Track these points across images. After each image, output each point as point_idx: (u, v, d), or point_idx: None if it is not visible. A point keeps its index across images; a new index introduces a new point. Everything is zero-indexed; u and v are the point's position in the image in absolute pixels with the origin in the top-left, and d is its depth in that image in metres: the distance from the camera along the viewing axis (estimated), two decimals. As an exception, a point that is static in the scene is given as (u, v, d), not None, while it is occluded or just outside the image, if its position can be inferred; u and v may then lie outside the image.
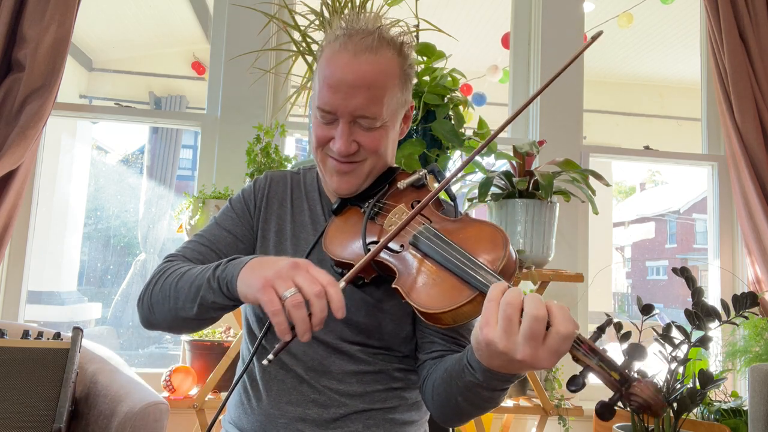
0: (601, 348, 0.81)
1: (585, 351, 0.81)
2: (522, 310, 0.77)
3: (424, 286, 0.90)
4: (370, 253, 0.94)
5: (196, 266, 1.02)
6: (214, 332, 2.17)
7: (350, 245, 1.04)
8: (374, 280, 1.01)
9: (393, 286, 0.92)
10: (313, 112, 1.10)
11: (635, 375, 0.79)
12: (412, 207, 1.05)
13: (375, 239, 1.03)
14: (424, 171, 1.11)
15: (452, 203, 1.14)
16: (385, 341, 1.08)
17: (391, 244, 0.98)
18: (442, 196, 1.07)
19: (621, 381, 0.79)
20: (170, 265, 1.07)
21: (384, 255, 0.97)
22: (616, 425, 1.83)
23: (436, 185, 1.01)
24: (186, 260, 1.11)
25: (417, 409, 1.14)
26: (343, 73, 1.03)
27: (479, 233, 0.96)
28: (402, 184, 1.09)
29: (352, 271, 0.91)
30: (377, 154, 1.09)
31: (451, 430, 1.43)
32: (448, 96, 1.89)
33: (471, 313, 0.86)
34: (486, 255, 0.90)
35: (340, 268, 1.04)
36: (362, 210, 1.10)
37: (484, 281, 0.84)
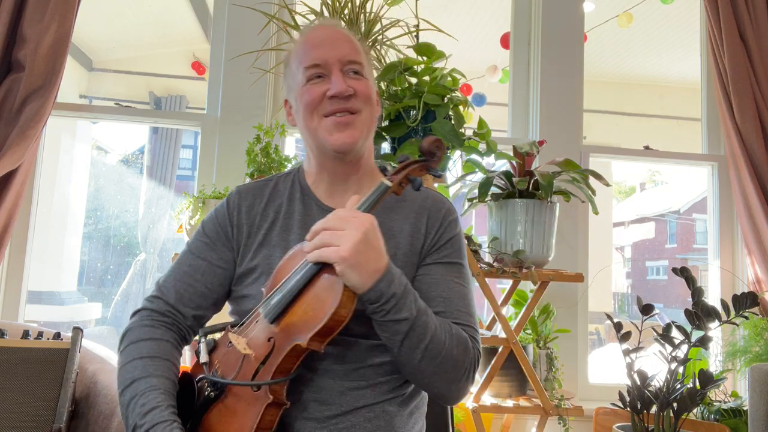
0: (398, 167, 1.03)
1: (399, 174, 1.02)
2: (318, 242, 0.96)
3: (303, 324, 0.97)
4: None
5: (140, 375, 1.02)
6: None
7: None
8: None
9: (303, 346, 0.95)
10: (299, 82, 1.13)
11: (419, 158, 1.04)
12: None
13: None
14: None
15: None
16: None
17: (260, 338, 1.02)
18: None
19: (425, 160, 1.03)
20: (129, 349, 1.07)
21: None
22: (616, 425, 1.83)
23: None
24: (161, 305, 1.14)
25: (414, 400, 1.14)
26: (323, 33, 1.14)
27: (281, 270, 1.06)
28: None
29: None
30: (370, 105, 1.14)
31: (449, 410, 1.43)
32: (448, 96, 1.89)
33: (336, 300, 0.94)
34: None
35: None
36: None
37: (304, 271, 0.98)
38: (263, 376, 0.97)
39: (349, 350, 1.07)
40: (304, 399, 1.05)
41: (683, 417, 1.67)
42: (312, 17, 1.93)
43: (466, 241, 1.35)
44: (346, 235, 0.94)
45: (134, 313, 1.16)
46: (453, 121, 1.88)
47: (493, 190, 2.05)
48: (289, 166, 2.15)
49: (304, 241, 1.02)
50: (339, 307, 0.94)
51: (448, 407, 1.45)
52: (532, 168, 2.08)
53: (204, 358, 1.07)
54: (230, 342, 1.05)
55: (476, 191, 2.01)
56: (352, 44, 1.14)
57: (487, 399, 2.04)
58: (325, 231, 0.96)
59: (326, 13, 1.88)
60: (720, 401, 2.22)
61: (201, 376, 1.06)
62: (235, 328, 1.09)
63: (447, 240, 1.15)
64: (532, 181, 1.98)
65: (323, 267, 0.98)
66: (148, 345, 1.07)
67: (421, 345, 0.99)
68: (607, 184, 2.04)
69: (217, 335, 1.14)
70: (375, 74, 1.23)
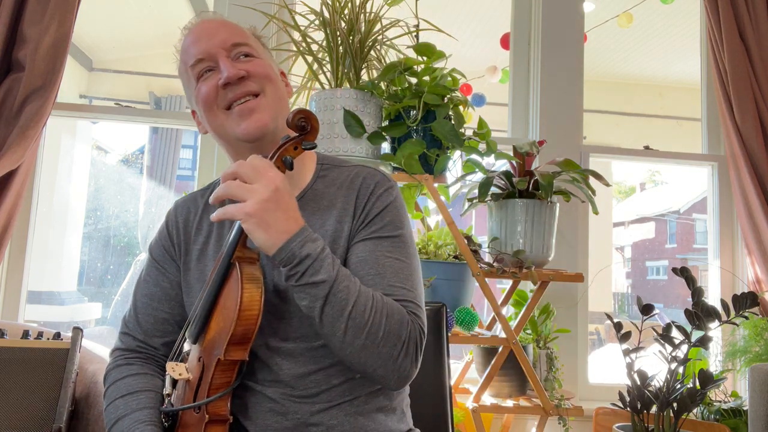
0: (272, 152, 0.97)
1: (275, 158, 0.97)
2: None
3: (218, 337, 0.95)
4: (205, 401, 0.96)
5: (123, 413, 1.02)
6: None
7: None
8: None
9: (224, 360, 0.94)
10: (193, 85, 1.09)
11: (293, 136, 0.98)
12: None
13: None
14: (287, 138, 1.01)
15: None
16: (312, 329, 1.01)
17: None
18: None
19: (298, 137, 0.98)
20: (109, 391, 1.08)
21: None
22: (616, 425, 1.83)
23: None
24: (130, 342, 1.14)
25: (385, 394, 1.07)
26: (199, 28, 1.10)
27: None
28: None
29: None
30: (272, 83, 1.07)
31: (449, 410, 1.41)
32: (448, 96, 1.89)
33: (245, 299, 0.92)
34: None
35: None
36: None
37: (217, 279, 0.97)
38: (202, 397, 0.96)
39: (290, 355, 1.02)
40: (262, 413, 1.02)
41: (683, 417, 1.67)
42: (312, 17, 1.93)
43: (407, 210, 1.25)
44: (255, 191, 0.89)
45: (111, 352, 1.16)
46: (453, 121, 1.88)
47: (493, 190, 2.05)
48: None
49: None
50: (242, 310, 0.91)
51: (448, 406, 1.45)
52: (532, 168, 2.08)
53: (167, 389, 1.07)
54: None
55: (476, 191, 2.01)
56: (232, 28, 1.10)
57: (487, 399, 2.04)
58: (231, 182, 0.91)
59: (326, 13, 1.88)
60: (720, 401, 2.22)
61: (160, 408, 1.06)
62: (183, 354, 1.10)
63: (376, 213, 1.05)
64: (532, 181, 1.98)
65: (229, 269, 0.96)
66: (126, 382, 1.07)
67: (344, 312, 0.90)
68: (607, 184, 2.04)
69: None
70: (276, 55, 1.18)
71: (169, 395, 1.06)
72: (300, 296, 0.92)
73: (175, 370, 1.01)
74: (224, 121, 1.06)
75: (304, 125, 0.96)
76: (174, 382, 1.07)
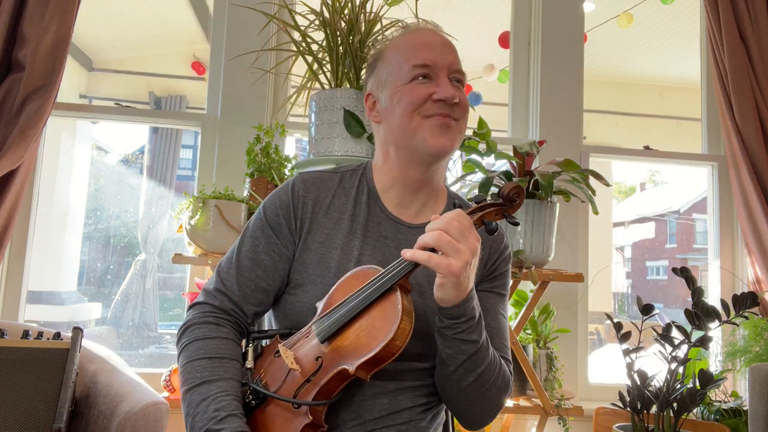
0: (474, 207, 1.00)
1: (475, 215, 0.98)
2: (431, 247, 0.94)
3: (353, 350, 0.95)
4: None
5: (210, 377, 1.00)
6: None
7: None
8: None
9: (350, 372, 0.94)
10: (401, 79, 1.10)
11: (497, 199, 1.01)
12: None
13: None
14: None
15: None
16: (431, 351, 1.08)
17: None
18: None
19: (502, 204, 1.00)
20: (195, 346, 1.04)
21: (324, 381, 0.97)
22: (616, 425, 1.83)
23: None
24: (226, 302, 1.10)
25: (440, 416, 1.16)
26: (432, 35, 1.14)
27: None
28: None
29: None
30: (465, 118, 1.12)
31: (450, 420, 1.43)
32: (448, 96, 1.88)
33: (403, 327, 0.93)
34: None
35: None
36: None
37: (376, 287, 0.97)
38: (305, 394, 0.97)
39: (390, 372, 1.04)
40: (339, 415, 1.03)
41: (683, 417, 1.67)
42: (312, 17, 1.93)
43: None
44: (461, 252, 0.92)
45: (193, 305, 1.12)
46: (453, 121, 1.88)
47: (493, 190, 2.05)
48: (289, 166, 2.15)
49: (371, 265, 1.01)
50: (394, 338, 0.92)
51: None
52: (532, 168, 2.08)
53: (249, 363, 1.06)
54: (277, 352, 1.04)
55: (476, 191, 2.01)
56: (457, 54, 1.14)
57: (487, 399, 2.04)
58: (443, 235, 0.93)
59: (326, 13, 1.88)
60: (720, 401, 2.22)
61: (245, 381, 1.04)
62: (285, 339, 1.07)
63: (502, 272, 1.18)
64: (532, 181, 1.98)
65: (385, 293, 0.96)
66: (216, 344, 1.04)
67: (477, 370, 1.01)
68: (607, 184, 2.04)
69: (264, 342, 1.13)
70: None
71: (250, 369, 1.05)
72: (447, 344, 1.00)
73: (287, 356, 1.00)
74: (419, 127, 1.08)
75: (515, 198, 0.99)
76: (257, 357, 1.07)
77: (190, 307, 1.12)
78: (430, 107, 1.07)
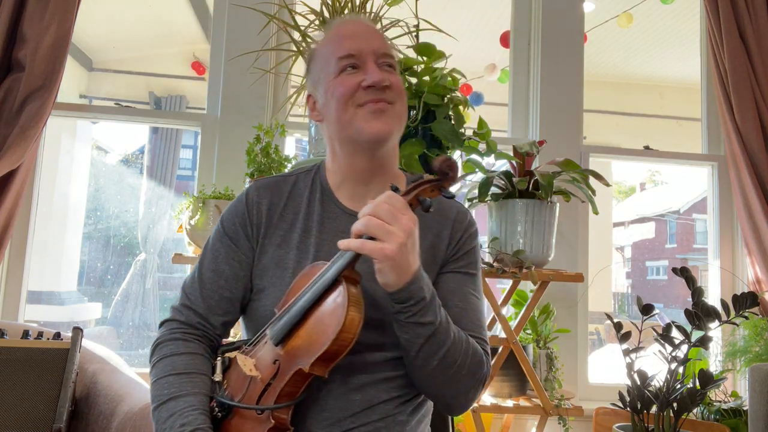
0: (409, 187, 0.98)
1: (409, 194, 0.97)
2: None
3: (307, 348, 0.95)
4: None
5: (177, 393, 1.00)
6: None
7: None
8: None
9: (305, 371, 0.93)
10: (330, 74, 1.10)
11: (432, 176, 0.98)
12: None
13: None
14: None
15: None
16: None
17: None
18: None
19: (438, 180, 0.98)
20: (163, 363, 1.05)
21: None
22: (616, 425, 1.83)
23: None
24: (192, 316, 1.11)
25: (426, 409, 1.13)
26: (355, 25, 1.13)
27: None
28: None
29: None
30: (402, 100, 1.11)
31: (450, 420, 1.43)
32: (448, 96, 1.89)
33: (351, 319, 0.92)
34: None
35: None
36: None
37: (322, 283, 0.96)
38: (268, 399, 0.96)
39: (359, 366, 1.03)
40: (311, 417, 1.02)
41: (683, 417, 1.67)
42: (312, 17, 1.93)
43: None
44: (393, 235, 0.91)
45: (162, 323, 1.13)
46: (453, 121, 1.88)
47: (493, 190, 2.05)
48: (289, 166, 2.15)
49: (318, 261, 1.01)
50: (342, 331, 0.91)
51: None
52: (532, 168, 2.08)
53: (218, 376, 1.06)
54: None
55: (476, 191, 2.01)
56: (383, 38, 1.14)
57: (487, 399, 2.04)
58: (372, 219, 0.92)
59: (326, 13, 1.88)
60: (720, 401, 2.22)
61: (211, 395, 1.04)
62: (246, 347, 1.08)
63: (467, 251, 1.15)
64: (532, 181, 1.98)
65: (333, 284, 0.96)
66: (183, 360, 1.05)
67: (439, 352, 0.98)
68: (607, 184, 2.04)
69: (234, 354, 1.12)
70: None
71: (219, 383, 1.05)
72: (403, 330, 0.98)
73: (246, 364, 1.00)
74: (354, 116, 1.07)
75: (448, 172, 0.97)
76: (225, 370, 1.06)
77: (160, 325, 1.14)
78: (362, 95, 1.07)
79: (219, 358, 1.08)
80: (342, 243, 0.95)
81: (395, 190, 0.98)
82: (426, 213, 0.99)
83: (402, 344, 1.00)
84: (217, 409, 1.02)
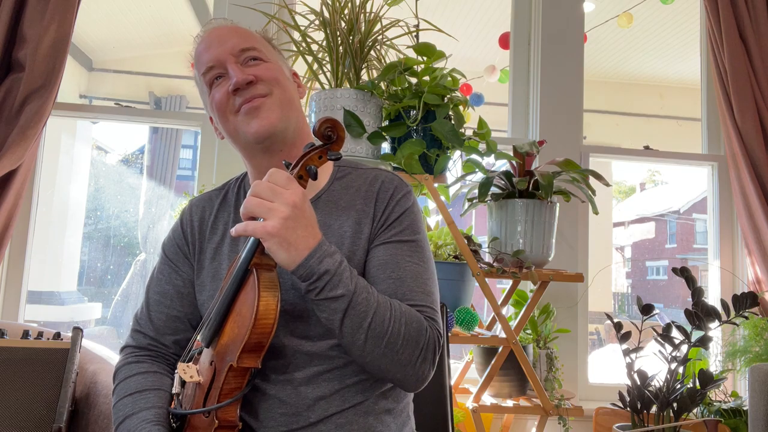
0: (296, 161, 0.97)
1: (294, 167, 0.97)
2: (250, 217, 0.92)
3: (232, 343, 0.94)
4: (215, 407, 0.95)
5: (130, 412, 1.02)
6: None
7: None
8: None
9: (236, 366, 0.92)
10: (205, 92, 1.12)
11: (317, 142, 0.98)
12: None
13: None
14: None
15: None
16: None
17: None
18: None
19: (323, 146, 0.98)
20: (118, 389, 1.07)
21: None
22: (616, 425, 1.83)
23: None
24: (141, 339, 1.14)
25: (393, 397, 1.08)
26: (209, 35, 1.11)
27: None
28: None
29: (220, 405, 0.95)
30: (280, 85, 1.08)
31: (449, 410, 1.42)
32: (448, 96, 1.89)
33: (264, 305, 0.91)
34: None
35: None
36: None
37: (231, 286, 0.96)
38: (212, 401, 0.95)
39: (305, 357, 1.02)
40: (272, 415, 1.01)
41: (683, 417, 1.67)
42: (312, 17, 1.93)
43: (424, 216, 1.28)
44: (274, 210, 0.89)
45: (121, 350, 1.16)
46: (453, 121, 1.88)
47: (493, 190, 2.05)
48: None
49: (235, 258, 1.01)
50: (258, 317, 0.89)
51: (448, 407, 1.45)
52: (532, 168, 2.08)
53: (176, 389, 1.06)
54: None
55: (476, 191, 2.01)
56: (242, 33, 1.11)
57: (487, 399, 2.04)
58: (251, 199, 0.90)
59: (326, 13, 1.88)
60: (720, 401, 2.22)
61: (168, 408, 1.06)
62: (197, 356, 1.09)
63: (396, 218, 1.07)
64: (532, 181, 1.98)
65: (246, 275, 0.95)
66: (135, 380, 1.07)
67: (363, 324, 0.92)
68: (607, 184, 2.04)
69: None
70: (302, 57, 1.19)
71: (177, 395, 1.06)
72: (320, 309, 0.94)
73: (186, 372, 1.00)
74: (236, 124, 1.07)
75: (330, 134, 0.96)
76: (183, 382, 1.06)
77: (120, 352, 1.17)
78: (234, 101, 1.06)
79: (175, 372, 1.09)
80: (231, 230, 0.93)
81: (288, 165, 0.97)
82: (315, 180, 0.97)
83: (325, 324, 0.95)
84: (172, 420, 1.03)
